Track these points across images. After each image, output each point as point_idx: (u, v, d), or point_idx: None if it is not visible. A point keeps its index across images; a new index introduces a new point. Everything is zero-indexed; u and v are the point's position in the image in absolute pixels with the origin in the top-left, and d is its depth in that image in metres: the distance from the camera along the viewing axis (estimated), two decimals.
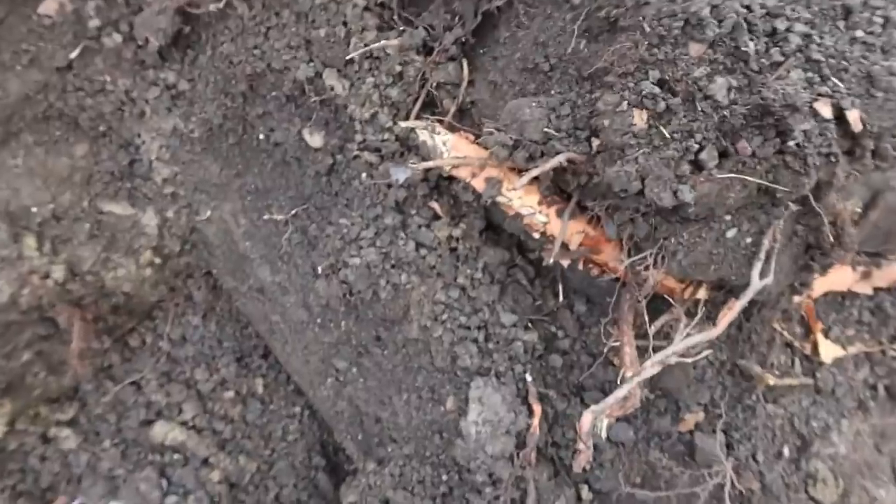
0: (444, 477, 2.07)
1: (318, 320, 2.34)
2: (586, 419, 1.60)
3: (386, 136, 2.05)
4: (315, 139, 2.13)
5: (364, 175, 2.09)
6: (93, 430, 2.67)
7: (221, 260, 2.52)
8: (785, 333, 2.21)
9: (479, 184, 1.89)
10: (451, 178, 2.01)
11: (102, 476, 2.64)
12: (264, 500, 2.65)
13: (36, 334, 2.31)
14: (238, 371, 2.70)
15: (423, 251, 2.07)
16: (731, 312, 1.71)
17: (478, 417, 1.95)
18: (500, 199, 1.94)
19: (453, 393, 2.08)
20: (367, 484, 2.17)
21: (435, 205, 2.09)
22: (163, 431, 2.64)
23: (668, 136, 1.60)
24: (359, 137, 2.09)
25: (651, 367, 1.64)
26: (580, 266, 2.04)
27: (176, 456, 2.68)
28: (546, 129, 1.70)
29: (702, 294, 1.93)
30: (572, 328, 2.18)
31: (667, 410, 2.09)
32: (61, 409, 2.64)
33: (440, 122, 1.93)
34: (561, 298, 2.18)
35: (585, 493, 2.03)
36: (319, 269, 2.13)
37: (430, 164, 1.83)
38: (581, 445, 1.64)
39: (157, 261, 2.42)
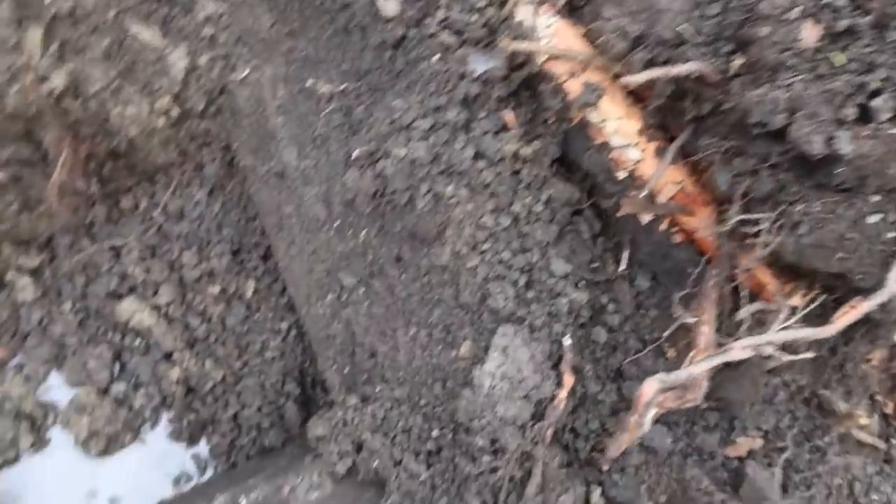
0: (435, 432, 1.71)
1: (336, 223, 2.00)
2: (650, 387, 1.24)
3: (475, 17, 1.71)
4: (390, 6, 1.80)
5: (436, 58, 1.75)
6: (55, 287, 2.35)
7: (246, 132, 2.19)
8: (875, 377, 1.82)
9: (574, 87, 1.54)
10: (538, 79, 1.65)
11: (52, 340, 2.32)
12: (220, 415, 2.31)
13: (17, 154, 2.00)
14: (230, 266, 2.37)
15: (480, 163, 1.72)
16: (853, 313, 1.34)
17: (496, 369, 1.59)
18: (591, 116, 1.59)
19: (472, 337, 1.72)
20: (343, 419, 1.82)
21: (509, 114, 1.74)
22: (130, 310, 2.31)
23: (839, 64, 1.24)
24: (441, 14, 1.75)
25: (739, 350, 1.27)
26: (660, 227, 1.67)
27: (137, 341, 2.35)
28: (682, 28, 1.34)
29: (798, 300, 1.56)
30: (627, 304, 1.81)
31: (717, 427, 1.72)
32: (27, 255, 2.33)
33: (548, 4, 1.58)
34: (623, 266, 1.81)
35: (596, 498, 1.66)
36: (355, 154, 1.78)
37: (523, 45, 1.48)
38: (631, 420, 1.27)
39: (175, 113, 2.09)
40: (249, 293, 2.38)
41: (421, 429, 1.73)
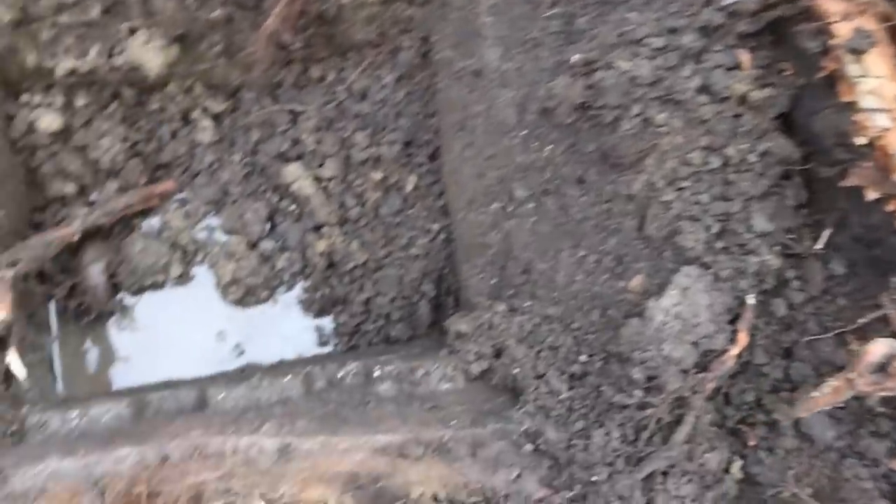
0: (584, 358, 1.66)
1: (524, 132, 1.95)
2: (880, 347, 1.13)
3: None
4: None
5: None
6: (231, 137, 2.44)
7: (451, 26, 2.17)
8: None
9: (843, 30, 1.41)
10: (798, 18, 1.53)
11: (217, 185, 2.41)
12: (353, 296, 2.35)
13: None
14: (398, 156, 2.38)
15: (703, 97, 1.62)
16: None
17: (671, 307, 1.52)
18: (849, 68, 1.46)
19: (647, 272, 1.65)
20: (489, 322, 1.79)
21: (745, 54, 1.63)
22: (295, 175, 2.37)
23: None
24: None
25: None
26: (886, 208, 1.53)
27: (293, 207, 2.41)
28: None
29: None
30: (815, 285, 1.67)
31: (888, 436, 1.57)
32: (214, 99, 2.41)
33: None
34: (820, 245, 1.68)
35: (735, 469, 1.57)
36: (573, 59, 1.72)
37: None
38: (844, 378, 1.17)
39: None
40: (409, 187, 2.38)
41: (569, 350, 1.68)
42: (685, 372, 1.49)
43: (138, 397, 1.74)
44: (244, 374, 1.85)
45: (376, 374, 1.75)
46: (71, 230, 2.11)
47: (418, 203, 2.39)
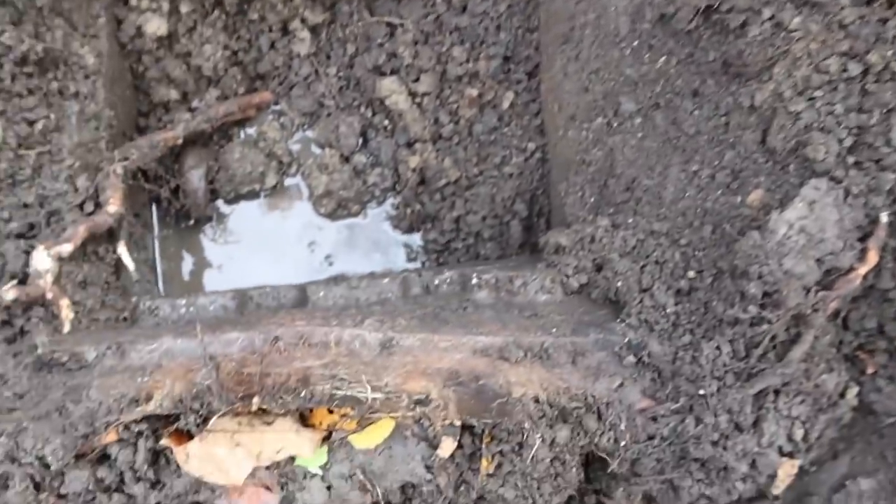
0: (692, 273, 1.59)
1: (636, 42, 1.85)
2: None
3: None
4: None
5: None
6: (328, 49, 2.42)
7: None
8: None
9: None
10: None
11: (313, 97, 2.41)
12: (444, 214, 2.33)
13: None
14: (496, 72, 2.31)
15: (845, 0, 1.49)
16: None
17: (796, 221, 1.43)
18: None
19: (768, 186, 1.56)
20: (591, 235, 1.74)
21: None
22: (390, 89, 2.33)
23: None
24: None
25: None
26: None
27: (386, 122, 2.39)
28: None
29: None
30: None
31: None
32: (313, 11, 2.38)
33: None
34: None
35: (850, 396, 1.49)
36: None
37: None
38: None
39: None
40: (505, 105, 2.32)
41: (676, 265, 1.62)
42: (807, 289, 1.41)
43: (241, 292, 1.78)
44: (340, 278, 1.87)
45: (473, 281, 1.73)
46: (175, 134, 2.15)
47: (514, 121, 2.33)
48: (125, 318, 1.79)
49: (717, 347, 1.44)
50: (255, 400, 1.29)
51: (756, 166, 1.60)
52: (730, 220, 1.60)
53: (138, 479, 1.34)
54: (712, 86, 1.72)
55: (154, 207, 2.34)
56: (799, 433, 1.44)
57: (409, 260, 2.39)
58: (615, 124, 1.92)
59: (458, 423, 1.44)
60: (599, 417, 1.44)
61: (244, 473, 1.34)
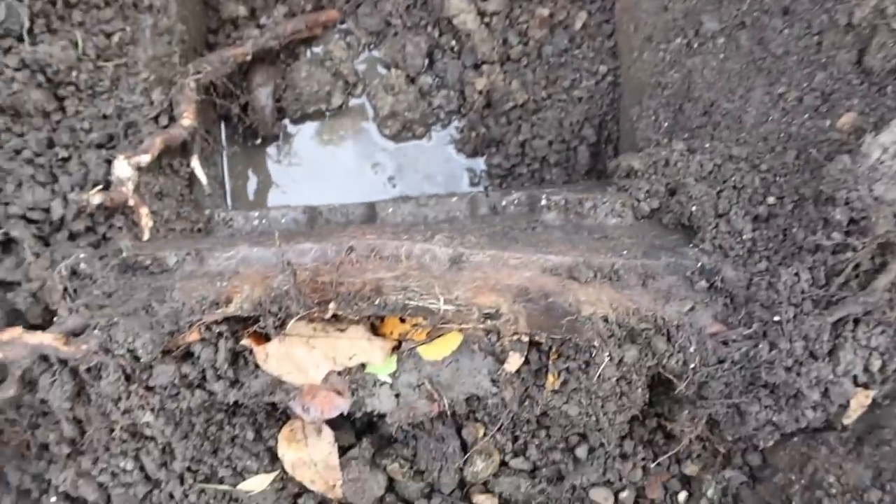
0: (772, 199, 1.54)
1: None
2: None
3: None
4: None
5: None
6: None
7: None
8: None
9: None
10: None
11: (380, 16, 2.36)
12: (510, 138, 2.30)
13: None
14: None
15: None
16: None
17: (892, 145, 1.36)
18: None
19: (862, 109, 1.48)
20: (665, 159, 1.70)
21: None
22: (458, 8, 2.27)
23: None
24: None
25: None
26: None
27: (454, 42, 2.35)
28: None
29: None
30: None
31: None
32: None
33: None
34: None
35: None
36: None
37: None
38: None
39: None
40: (577, 25, 2.25)
41: (755, 190, 1.57)
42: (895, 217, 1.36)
43: (311, 207, 1.81)
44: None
45: (542, 202, 1.72)
46: (244, 50, 2.15)
47: (585, 43, 2.25)
48: (199, 230, 1.85)
49: (796, 274, 1.40)
50: (332, 305, 1.33)
51: (849, 88, 1.52)
52: (817, 145, 1.53)
53: (219, 377, 1.41)
54: (805, 2, 1.62)
55: (223, 125, 2.37)
56: (876, 364, 1.41)
57: (472, 185, 2.37)
58: (695, 45, 1.84)
59: (525, 339, 1.46)
60: (669, 339, 1.44)
61: (322, 374, 1.39)
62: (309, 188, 2.38)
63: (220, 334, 1.41)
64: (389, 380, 1.48)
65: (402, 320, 1.46)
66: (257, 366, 1.43)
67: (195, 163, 1.97)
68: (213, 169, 2.27)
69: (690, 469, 1.70)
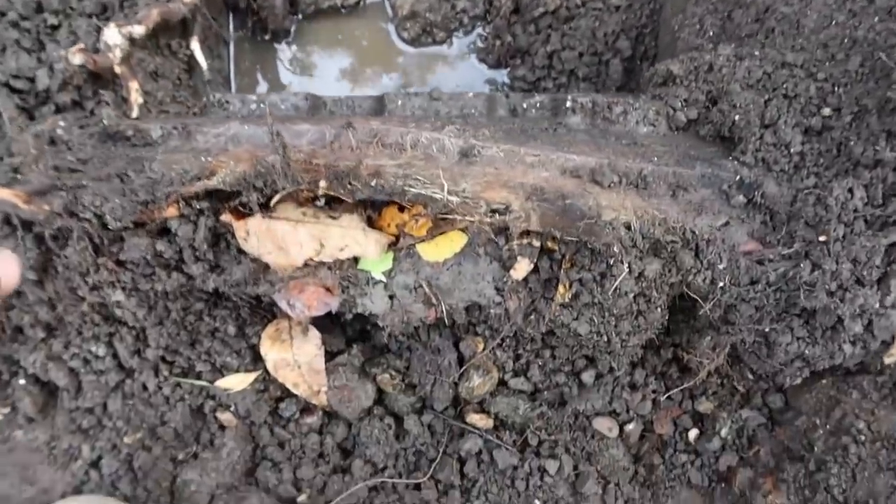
0: (827, 111, 1.37)
1: None
2: None
3: None
4: None
5: None
6: None
7: None
8: None
9: None
10: None
11: None
12: (537, 48, 2.11)
13: None
14: None
15: None
16: None
17: None
18: None
19: None
20: (709, 63, 1.51)
21: None
22: None
23: None
24: None
25: None
26: None
27: None
28: None
29: None
30: None
31: None
32: None
33: None
34: None
35: None
36: None
37: None
38: None
39: None
40: None
41: (809, 100, 1.39)
42: None
43: (315, 96, 1.66)
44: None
45: (567, 104, 1.55)
46: None
47: None
48: (195, 114, 1.71)
49: (850, 190, 1.24)
50: (322, 183, 1.19)
51: None
52: (887, 50, 1.34)
53: (197, 259, 1.28)
54: None
55: (231, 15, 2.21)
56: None
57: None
58: None
59: (536, 243, 1.31)
60: (697, 255, 1.28)
61: (305, 255, 1.26)
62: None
63: (200, 211, 1.28)
64: (384, 279, 1.35)
65: (402, 209, 1.32)
66: (240, 251, 1.30)
67: (195, 45, 1.81)
68: (217, 61, 2.12)
69: (704, 406, 1.57)
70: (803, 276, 1.22)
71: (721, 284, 1.27)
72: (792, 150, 1.35)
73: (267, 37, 2.21)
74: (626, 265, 1.26)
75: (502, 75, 2.20)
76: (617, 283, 1.27)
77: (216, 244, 1.31)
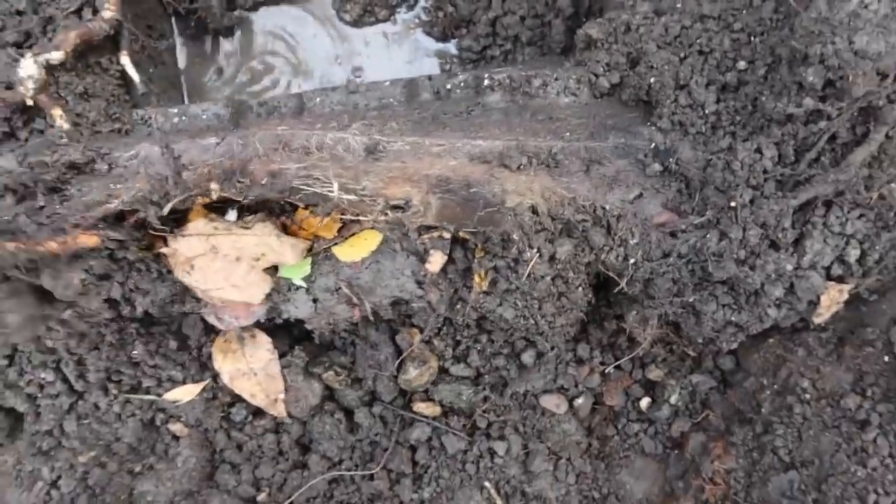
0: (742, 64, 1.30)
1: None
2: None
3: None
4: None
5: None
6: None
7: None
8: None
9: None
10: None
11: None
12: (480, 15, 2.04)
13: None
14: None
15: None
16: None
17: None
18: None
19: None
20: (626, 24, 1.45)
21: None
22: None
23: None
24: None
25: None
26: None
27: None
28: None
29: None
30: None
31: None
32: None
33: None
34: None
35: None
36: None
37: None
38: None
39: None
40: None
41: (725, 55, 1.32)
42: (883, 74, 1.11)
43: (236, 101, 1.66)
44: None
45: (486, 82, 1.51)
46: None
47: None
48: (128, 132, 1.72)
49: (758, 150, 1.18)
50: (213, 185, 1.20)
51: None
52: None
53: (120, 285, 1.32)
54: None
55: (174, 20, 2.20)
56: (854, 254, 1.21)
57: (444, 71, 2.16)
58: None
59: (447, 235, 1.30)
60: (608, 231, 1.26)
61: (263, 292, 1.30)
62: (268, 81, 2.21)
63: (120, 241, 1.30)
64: (304, 284, 1.36)
65: (307, 209, 1.31)
66: (161, 272, 1.33)
67: (125, 59, 1.81)
68: (162, 67, 2.12)
69: (655, 374, 1.56)
70: (710, 246, 1.18)
71: (633, 260, 1.24)
72: (707, 111, 1.30)
73: (210, 33, 2.20)
74: (535, 250, 1.24)
75: (451, 48, 2.15)
76: (529, 268, 1.26)
77: (138, 269, 1.33)
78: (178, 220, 1.29)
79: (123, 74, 1.85)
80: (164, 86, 2.10)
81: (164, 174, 1.20)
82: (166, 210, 1.20)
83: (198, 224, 1.29)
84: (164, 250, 1.27)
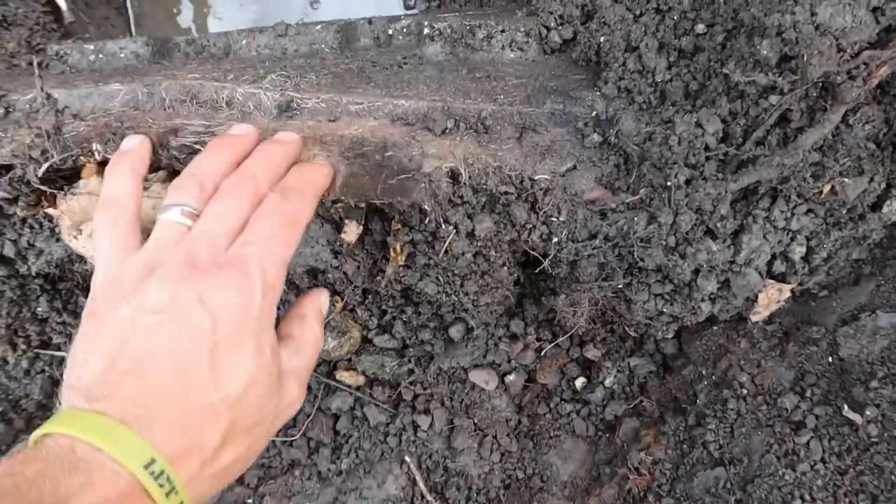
0: (701, 27, 1.15)
1: None
2: None
3: None
4: None
5: None
6: None
7: None
8: None
9: None
10: None
11: None
12: None
13: None
14: None
15: None
16: None
17: None
18: None
19: None
20: None
21: None
22: None
23: None
24: None
25: None
26: None
27: None
28: None
29: None
30: None
31: None
32: None
33: None
34: None
35: (889, 209, 1.10)
36: None
37: None
38: None
39: None
40: None
41: (684, 15, 1.17)
42: (842, 50, 0.97)
43: (160, 39, 1.52)
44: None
45: (425, 31, 1.37)
46: None
47: None
48: (47, 66, 1.60)
49: (699, 124, 1.05)
50: (96, 146, 1.10)
51: None
52: None
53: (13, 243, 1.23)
54: None
55: None
56: (798, 251, 1.10)
57: (407, 9, 2.00)
58: None
59: (362, 204, 1.20)
60: (533, 207, 1.15)
61: None
62: (221, 14, 2.06)
63: (9, 198, 1.21)
64: None
65: None
66: (53, 231, 1.24)
67: None
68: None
69: (592, 353, 1.47)
70: (637, 230, 1.07)
71: (556, 240, 1.14)
72: (657, 78, 1.16)
73: None
74: (451, 226, 1.13)
75: None
76: (446, 244, 1.15)
77: (31, 227, 1.24)
78: (69, 176, 1.19)
79: (51, 2, 1.72)
80: (104, 13, 1.96)
81: (44, 128, 1.09)
82: (41, 172, 1.10)
83: (89, 182, 1.19)
84: (49, 211, 1.18)
